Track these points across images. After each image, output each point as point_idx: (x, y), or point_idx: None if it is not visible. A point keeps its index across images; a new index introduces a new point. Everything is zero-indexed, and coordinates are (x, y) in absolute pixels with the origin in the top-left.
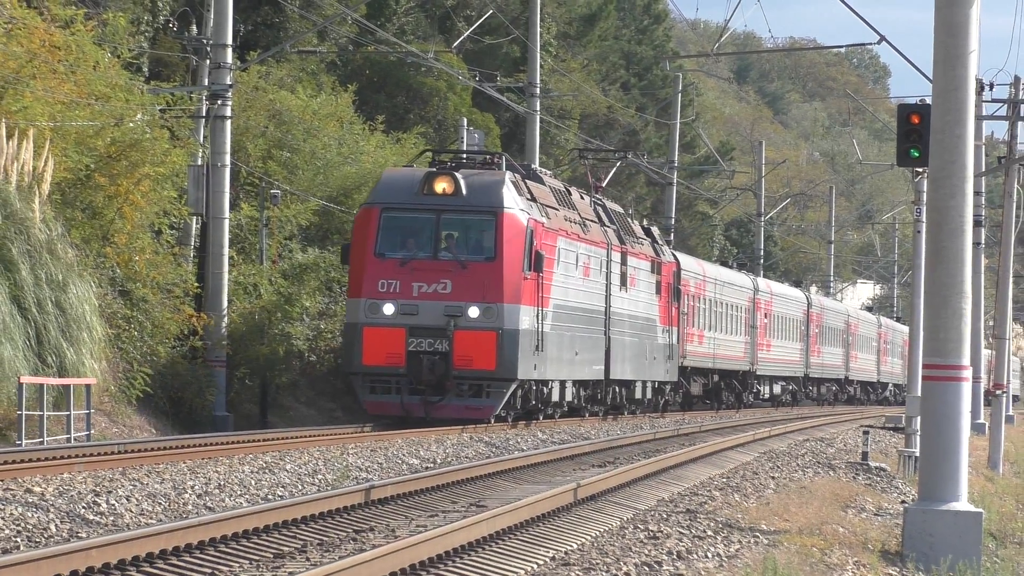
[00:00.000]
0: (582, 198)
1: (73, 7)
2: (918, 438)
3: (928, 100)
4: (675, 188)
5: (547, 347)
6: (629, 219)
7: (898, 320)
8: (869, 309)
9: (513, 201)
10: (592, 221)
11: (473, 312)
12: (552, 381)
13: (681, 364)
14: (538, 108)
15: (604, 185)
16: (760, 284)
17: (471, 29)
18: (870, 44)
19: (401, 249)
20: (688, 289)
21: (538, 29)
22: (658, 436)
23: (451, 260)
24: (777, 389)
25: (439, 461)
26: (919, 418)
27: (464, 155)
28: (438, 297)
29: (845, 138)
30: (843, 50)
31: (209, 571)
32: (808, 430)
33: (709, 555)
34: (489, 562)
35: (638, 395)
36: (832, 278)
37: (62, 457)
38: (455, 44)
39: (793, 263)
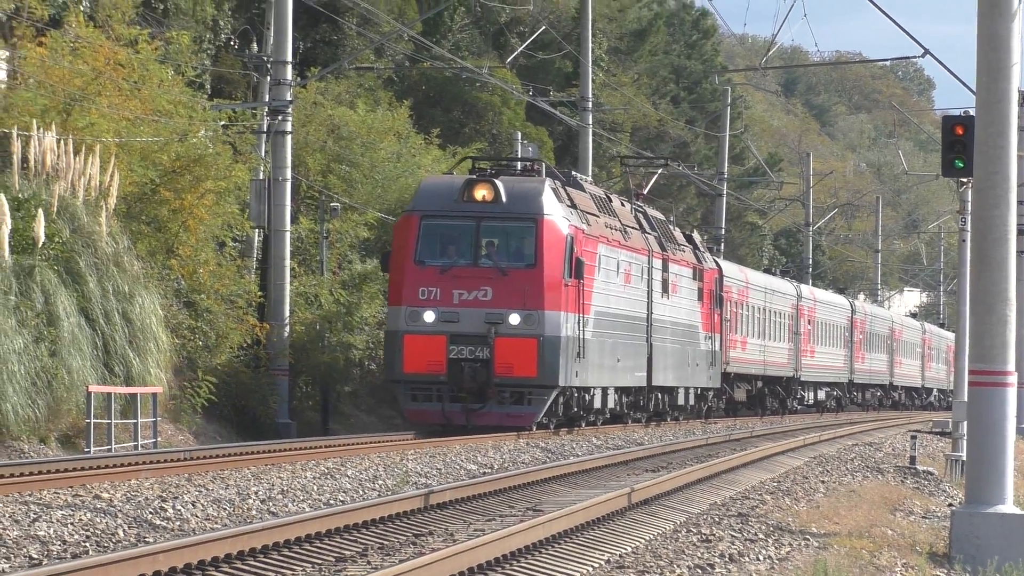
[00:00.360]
0: (623, 205)
1: (137, 26)
2: (965, 442)
3: (972, 112)
4: (725, 199)
5: (588, 354)
6: (670, 226)
7: (943, 327)
8: (914, 315)
9: (553, 208)
10: (633, 228)
11: (514, 319)
12: (594, 388)
13: (724, 370)
14: (590, 121)
15: (646, 193)
16: (803, 291)
17: (524, 45)
18: (915, 57)
19: (441, 256)
20: (731, 296)
21: (590, 44)
22: (710, 441)
23: (491, 267)
24: (821, 395)
25: (496, 467)
26: (966, 423)
27: (504, 162)
28: (479, 304)
29: (891, 149)
30: (888, 63)
31: (272, 573)
32: (857, 435)
33: (761, 557)
34: (545, 565)
35: (681, 402)
36: (879, 286)
37: (129, 464)
38: (509, 59)
39: (841, 272)
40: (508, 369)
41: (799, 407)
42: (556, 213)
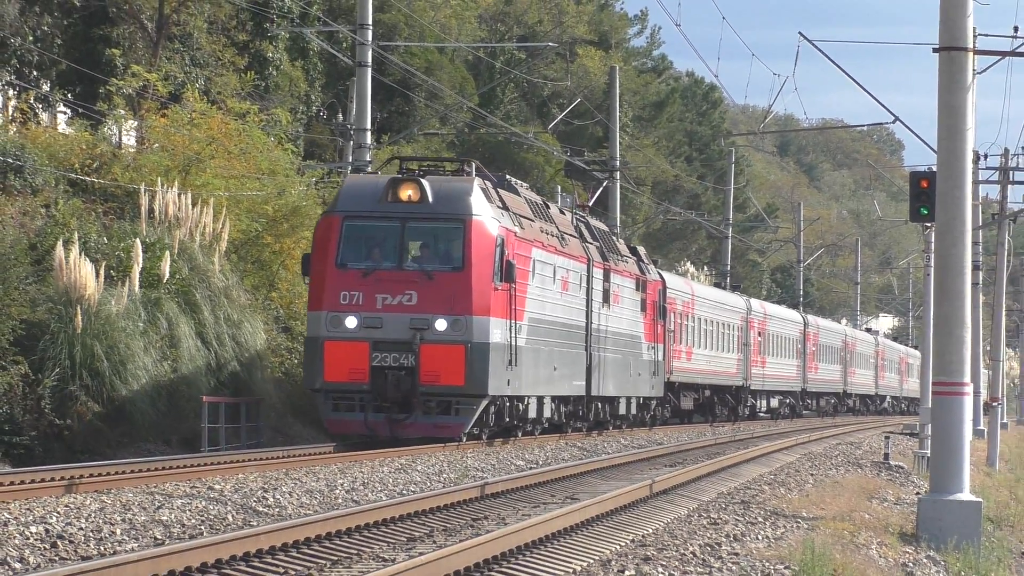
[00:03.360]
0: (562, 213)
1: (247, 102)
2: (929, 441)
3: (935, 168)
4: (730, 241)
5: (521, 362)
6: (614, 238)
7: (914, 347)
8: (868, 330)
9: (482, 208)
10: (572, 236)
11: (440, 325)
12: (528, 397)
13: (668, 380)
14: (618, 177)
15: (591, 204)
16: (753, 304)
17: (563, 114)
18: (887, 123)
19: (364, 259)
20: (675, 307)
21: (617, 114)
22: (718, 442)
23: (417, 270)
24: (775, 402)
25: (541, 462)
26: (930, 425)
27: (432, 162)
28: (403, 309)
29: (868, 199)
30: (865, 128)
31: (355, 552)
32: (840, 436)
33: (760, 537)
34: (581, 544)
35: (622, 411)
36: (858, 312)
37: (237, 461)
38: (550, 126)
39: (827, 300)
40: (434, 377)
41: (753, 414)
42: (485, 214)
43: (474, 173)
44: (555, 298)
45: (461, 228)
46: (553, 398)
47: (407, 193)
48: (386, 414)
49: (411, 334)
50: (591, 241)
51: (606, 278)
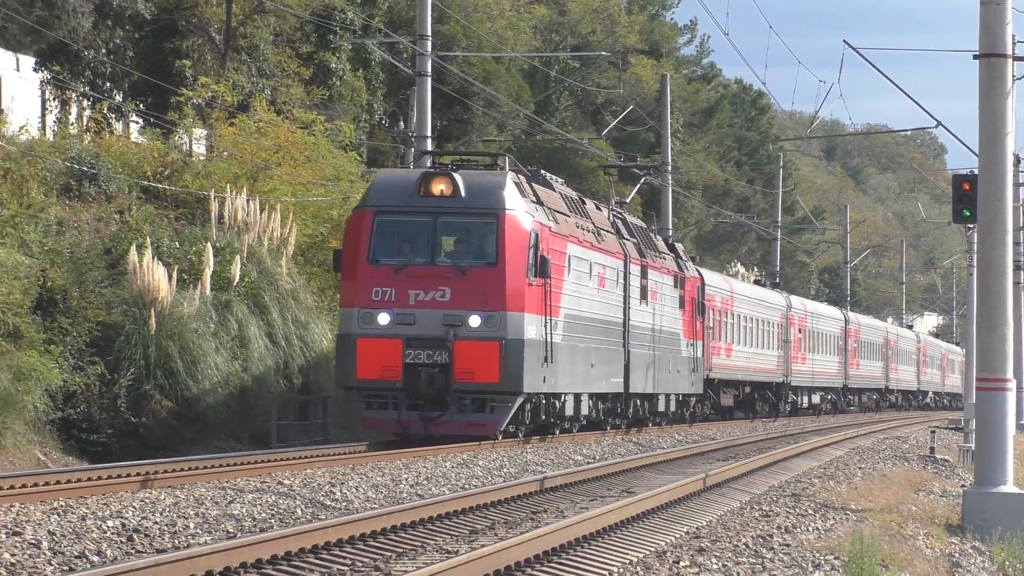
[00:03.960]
0: (599, 209)
1: (312, 111)
2: (974, 435)
3: (976, 171)
4: (779, 243)
5: (557, 358)
6: (652, 235)
7: (957, 344)
8: (909, 327)
9: (516, 202)
10: (608, 232)
11: (474, 321)
12: (565, 394)
13: (707, 376)
14: (670, 182)
15: (628, 201)
16: (794, 302)
17: (616, 120)
18: (930, 128)
19: (396, 255)
20: (714, 304)
21: (668, 120)
22: (769, 436)
23: (450, 266)
24: (816, 399)
25: (598, 457)
26: (974, 420)
27: (465, 156)
28: (436, 305)
29: (912, 202)
30: (909, 133)
31: (420, 544)
32: (887, 431)
33: (810, 529)
34: (637, 535)
35: (661, 408)
36: (904, 311)
37: (305, 457)
38: (604, 132)
39: (873, 300)
40: (468, 375)
41: (794, 410)
42: (519, 208)
43: (507, 167)
44: (591, 294)
45: (494, 223)
46: (591, 395)
47: (439, 187)
48: (420, 412)
49: (444, 331)
50: (628, 238)
51: (644, 274)
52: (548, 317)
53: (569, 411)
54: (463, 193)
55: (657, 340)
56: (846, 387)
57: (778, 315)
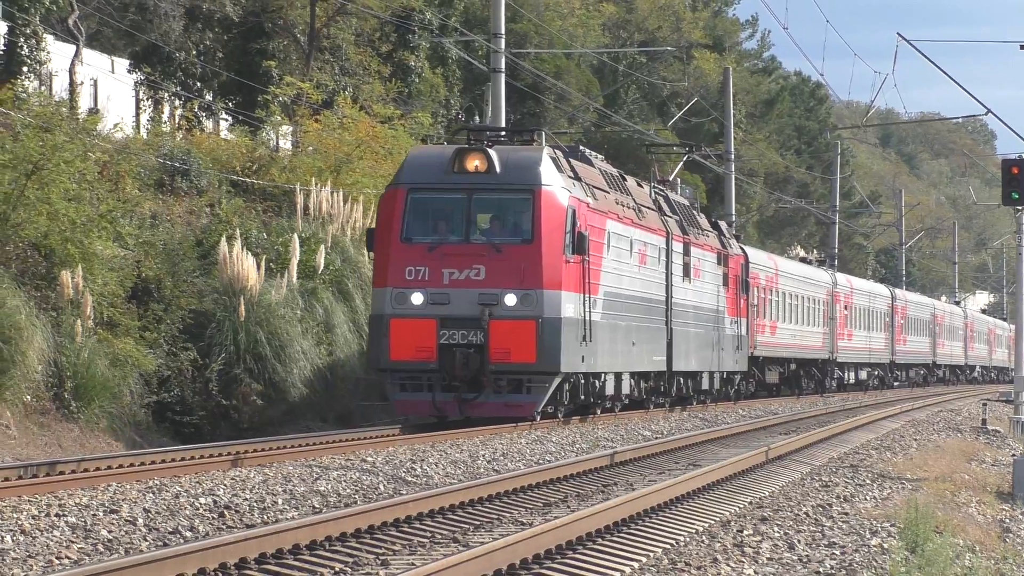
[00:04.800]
0: (639, 186)
1: (392, 106)
2: None
3: None
4: (837, 226)
5: (597, 337)
6: (694, 211)
7: (1003, 319)
8: (957, 303)
9: (552, 178)
10: (649, 208)
11: (510, 300)
12: (605, 374)
13: (752, 354)
14: (733, 170)
15: (671, 179)
16: (839, 279)
17: (682, 112)
18: (980, 115)
19: (430, 233)
20: (758, 281)
21: (731, 111)
22: (828, 411)
23: (484, 244)
24: (863, 375)
25: (665, 432)
26: None
27: (500, 131)
28: (471, 284)
29: (963, 186)
30: (960, 120)
31: (496, 516)
32: (940, 404)
33: (868, 498)
34: (704, 506)
35: (705, 385)
36: (956, 290)
37: (388, 435)
38: (670, 123)
39: (927, 280)
40: (505, 355)
41: (840, 386)
42: (555, 184)
43: (543, 142)
44: (632, 272)
45: (530, 199)
46: (632, 374)
47: (474, 163)
48: (455, 393)
49: (479, 310)
50: (670, 215)
51: (686, 252)
52: (587, 295)
53: (609, 390)
54: (498, 169)
55: (700, 318)
56: (893, 363)
57: (823, 292)
